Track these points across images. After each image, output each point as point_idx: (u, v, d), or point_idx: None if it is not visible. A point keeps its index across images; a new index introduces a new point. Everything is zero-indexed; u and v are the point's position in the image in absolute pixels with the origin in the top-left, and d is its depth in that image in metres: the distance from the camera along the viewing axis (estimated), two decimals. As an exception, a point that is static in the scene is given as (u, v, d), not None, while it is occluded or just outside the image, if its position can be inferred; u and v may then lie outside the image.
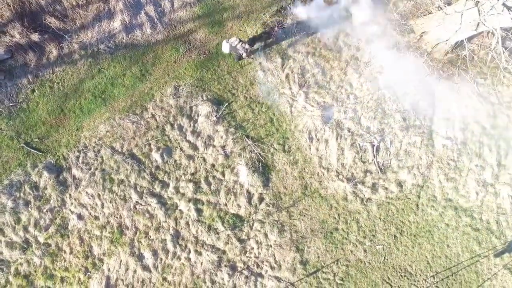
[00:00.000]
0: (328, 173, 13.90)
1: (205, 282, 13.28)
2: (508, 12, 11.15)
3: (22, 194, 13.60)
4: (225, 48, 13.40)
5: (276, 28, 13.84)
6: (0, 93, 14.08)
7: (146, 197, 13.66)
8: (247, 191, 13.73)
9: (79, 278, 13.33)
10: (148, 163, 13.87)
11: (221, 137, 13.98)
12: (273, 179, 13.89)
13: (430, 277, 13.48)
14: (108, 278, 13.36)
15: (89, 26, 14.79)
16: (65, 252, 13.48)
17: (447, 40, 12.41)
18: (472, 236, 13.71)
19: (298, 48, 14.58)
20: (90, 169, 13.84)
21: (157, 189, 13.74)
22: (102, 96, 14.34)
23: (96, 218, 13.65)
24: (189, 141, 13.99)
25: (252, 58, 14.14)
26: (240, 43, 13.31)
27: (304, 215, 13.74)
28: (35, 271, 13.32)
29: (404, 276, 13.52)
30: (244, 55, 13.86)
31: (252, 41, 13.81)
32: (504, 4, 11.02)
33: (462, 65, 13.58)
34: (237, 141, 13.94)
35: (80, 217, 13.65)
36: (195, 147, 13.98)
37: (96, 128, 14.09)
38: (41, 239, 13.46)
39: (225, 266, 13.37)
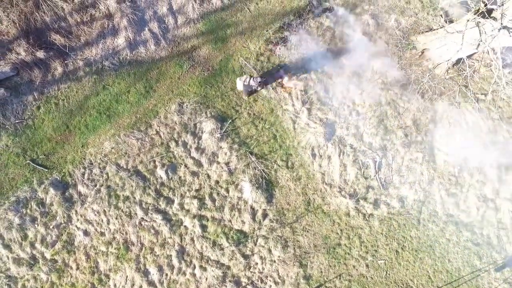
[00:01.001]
0: (330, 189, 14.07)
1: (210, 297, 13.49)
2: (508, 34, 11.29)
3: (28, 211, 13.79)
4: (239, 85, 13.46)
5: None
6: (6, 110, 14.23)
7: (151, 214, 13.84)
8: (251, 207, 13.91)
9: (86, 294, 13.53)
10: (153, 179, 14.04)
11: (225, 154, 14.14)
12: (276, 195, 14.06)
13: (431, 291, 13.69)
14: (114, 293, 13.55)
15: (94, 43, 14.92)
16: (71, 268, 13.68)
17: (448, 60, 12.56)
18: (473, 251, 13.90)
19: (301, 64, 14.70)
20: (95, 185, 14.01)
21: (162, 205, 13.91)
22: (107, 113, 14.50)
23: (102, 234, 13.83)
24: (193, 158, 14.15)
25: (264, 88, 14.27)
26: (251, 78, 13.40)
27: (307, 231, 13.93)
28: (42, 287, 13.51)
29: (406, 290, 13.73)
30: (258, 88, 14.03)
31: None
32: (505, 27, 11.16)
33: (463, 81, 13.71)
34: (241, 157, 14.11)
35: (86, 233, 13.83)
36: (199, 164, 14.14)
37: (101, 144, 14.25)
38: (48, 255, 13.66)
39: (230, 281, 13.56)
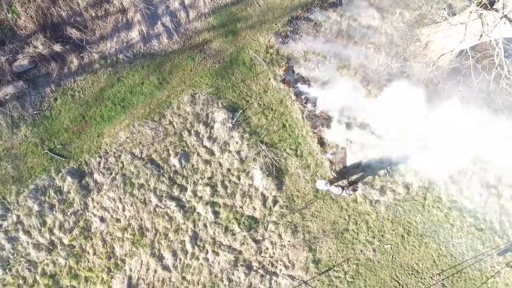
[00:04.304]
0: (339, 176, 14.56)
1: (222, 281, 13.99)
2: (510, 25, 11.77)
3: (47, 198, 14.30)
4: (321, 186, 13.74)
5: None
6: (24, 102, 14.74)
7: (165, 201, 14.34)
8: (262, 194, 14.41)
9: (103, 278, 14.05)
10: (166, 168, 14.54)
11: (236, 143, 14.65)
12: (286, 182, 14.57)
13: (436, 275, 14.17)
14: (130, 277, 14.07)
15: (108, 36, 15.42)
16: (88, 253, 14.18)
17: (452, 51, 13.05)
18: (476, 236, 14.38)
19: (309, 56, 15.21)
20: (111, 173, 14.51)
21: (176, 192, 14.41)
22: (121, 104, 15.01)
23: (118, 220, 14.33)
24: (205, 147, 14.66)
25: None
26: (343, 190, 13.65)
27: (316, 217, 14.42)
28: (61, 271, 14.03)
29: (412, 274, 14.21)
30: (349, 196, 14.27)
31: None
32: (506, 17, 11.64)
33: (466, 72, 14.16)
34: (252, 146, 14.62)
35: (102, 219, 14.33)
36: (211, 152, 14.65)
37: (116, 134, 14.75)
38: (66, 241, 14.17)
39: (242, 265, 14.06)
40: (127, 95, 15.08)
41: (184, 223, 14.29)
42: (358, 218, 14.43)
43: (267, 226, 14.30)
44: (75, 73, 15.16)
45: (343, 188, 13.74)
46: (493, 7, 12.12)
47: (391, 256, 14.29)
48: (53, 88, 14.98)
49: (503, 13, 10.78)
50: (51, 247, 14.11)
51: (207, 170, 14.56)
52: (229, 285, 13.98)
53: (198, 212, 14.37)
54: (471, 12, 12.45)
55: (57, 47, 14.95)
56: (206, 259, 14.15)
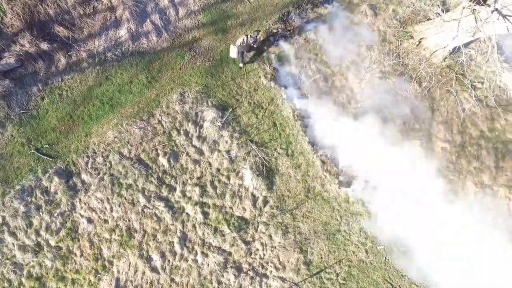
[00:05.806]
0: (330, 176, 14.29)
1: (211, 283, 13.71)
2: (503, 20, 11.52)
3: (33, 199, 14.03)
4: (234, 52, 13.66)
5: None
6: (11, 101, 14.49)
7: (153, 201, 14.07)
8: (252, 194, 14.14)
9: (90, 280, 13.77)
10: (155, 167, 14.28)
11: (226, 142, 14.38)
12: (277, 182, 14.29)
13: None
14: (117, 279, 13.79)
15: (97, 34, 15.18)
16: (75, 255, 13.91)
17: (445, 47, 12.80)
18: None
19: (300, 54, 14.97)
20: (99, 174, 14.25)
21: (164, 193, 14.15)
22: (110, 103, 14.75)
23: (105, 221, 14.06)
24: (195, 146, 14.40)
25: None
26: (247, 37, 13.83)
27: (307, 217, 14.15)
28: (47, 274, 13.75)
29: (405, 275, 13.91)
30: (255, 45, 14.19)
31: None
32: (499, 12, 11.40)
33: (459, 70, 13.93)
34: (242, 145, 14.36)
35: (89, 220, 14.06)
36: (200, 152, 14.39)
37: (104, 134, 14.50)
38: (52, 243, 13.89)
39: (231, 267, 13.78)
40: (115, 94, 14.83)
41: (173, 224, 14.02)
42: (350, 219, 14.16)
43: (257, 227, 14.03)
44: (63, 72, 14.91)
45: (246, 35, 13.94)
46: (486, 3, 11.88)
47: (384, 258, 14.00)
48: (40, 87, 14.73)
49: (494, 6, 10.53)
50: (37, 249, 13.83)
51: (196, 170, 14.29)
52: (218, 287, 13.71)
53: (187, 213, 14.10)
54: (464, 8, 12.21)
55: (44, 46, 14.71)
56: (195, 261, 13.88)
